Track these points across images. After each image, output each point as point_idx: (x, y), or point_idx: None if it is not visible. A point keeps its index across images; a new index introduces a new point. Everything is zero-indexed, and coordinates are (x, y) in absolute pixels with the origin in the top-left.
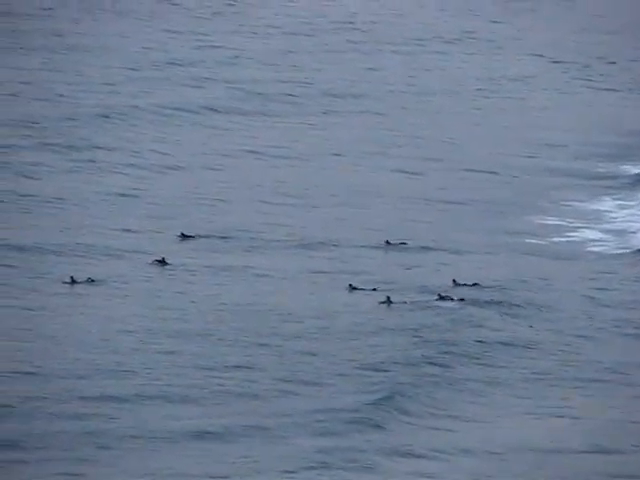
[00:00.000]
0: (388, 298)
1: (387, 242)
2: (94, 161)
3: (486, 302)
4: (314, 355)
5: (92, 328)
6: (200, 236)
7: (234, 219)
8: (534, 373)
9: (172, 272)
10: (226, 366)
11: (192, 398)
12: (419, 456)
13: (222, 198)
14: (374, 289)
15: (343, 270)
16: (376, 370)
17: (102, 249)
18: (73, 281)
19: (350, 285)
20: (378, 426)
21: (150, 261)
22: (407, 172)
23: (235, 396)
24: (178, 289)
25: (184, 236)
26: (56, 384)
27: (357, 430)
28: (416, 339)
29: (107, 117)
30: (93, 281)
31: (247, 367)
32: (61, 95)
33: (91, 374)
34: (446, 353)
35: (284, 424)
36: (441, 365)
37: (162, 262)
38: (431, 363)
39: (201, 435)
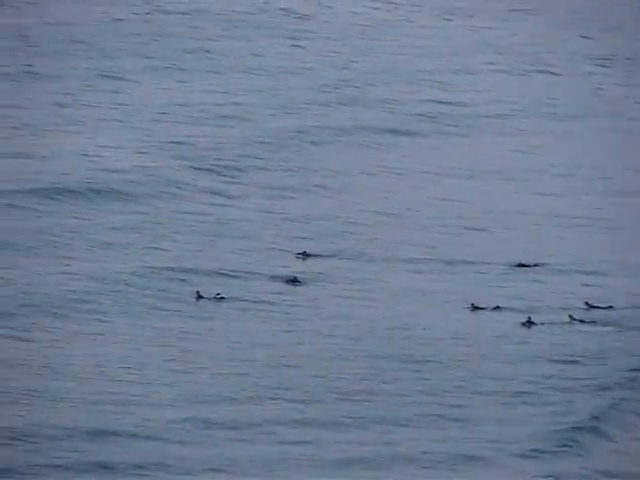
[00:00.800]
0: (529, 319)
1: (521, 264)
2: (246, 184)
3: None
4: (480, 378)
5: (223, 345)
6: (324, 255)
7: (364, 237)
8: None
9: (302, 290)
10: (381, 391)
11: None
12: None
13: (354, 217)
14: (497, 307)
15: (476, 290)
16: (565, 392)
17: (226, 267)
18: (199, 297)
19: (472, 305)
20: (581, 450)
21: (281, 279)
22: (543, 194)
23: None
24: (309, 307)
25: (306, 255)
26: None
27: (561, 454)
28: (583, 362)
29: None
30: (222, 298)
31: (403, 393)
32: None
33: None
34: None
35: (490, 448)
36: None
37: (293, 281)
38: (622, 387)
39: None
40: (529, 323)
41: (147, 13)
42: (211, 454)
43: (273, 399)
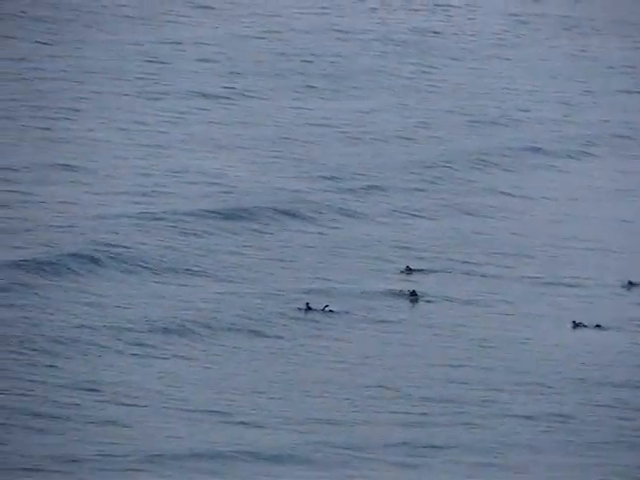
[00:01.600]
0: None
1: (630, 282)
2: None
3: None
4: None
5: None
6: (429, 270)
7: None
8: None
9: (420, 305)
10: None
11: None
12: None
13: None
14: (598, 325)
15: (586, 309)
16: None
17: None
18: (308, 308)
19: (574, 322)
20: None
21: (397, 292)
22: None
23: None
24: (424, 322)
25: (409, 270)
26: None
27: None
28: None
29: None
30: (331, 311)
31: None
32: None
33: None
34: None
35: None
36: None
37: (412, 294)
38: None
39: None
40: None
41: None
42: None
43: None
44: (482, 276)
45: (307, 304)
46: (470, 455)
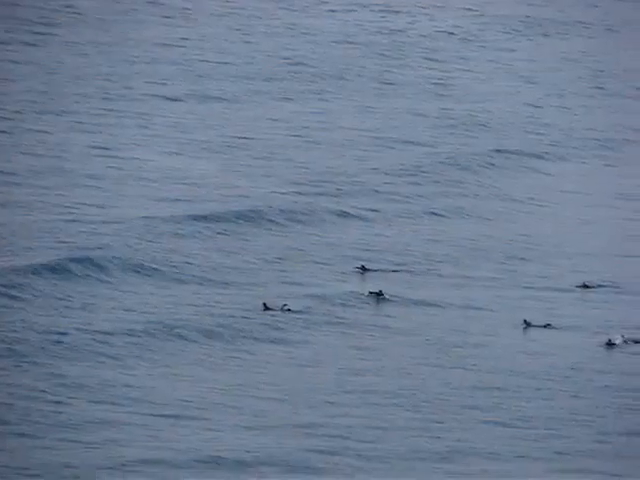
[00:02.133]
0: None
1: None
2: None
3: None
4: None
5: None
6: (383, 270)
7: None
8: None
9: (380, 305)
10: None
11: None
12: None
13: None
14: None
15: (540, 309)
16: None
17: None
18: (266, 308)
19: (525, 321)
20: None
21: (366, 293)
22: None
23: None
24: (383, 323)
25: (364, 269)
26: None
27: None
28: None
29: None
30: (290, 310)
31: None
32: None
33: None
34: None
35: None
36: None
37: (378, 294)
38: None
39: None
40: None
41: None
42: None
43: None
44: (439, 276)
45: (264, 304)
46: (425, 461)
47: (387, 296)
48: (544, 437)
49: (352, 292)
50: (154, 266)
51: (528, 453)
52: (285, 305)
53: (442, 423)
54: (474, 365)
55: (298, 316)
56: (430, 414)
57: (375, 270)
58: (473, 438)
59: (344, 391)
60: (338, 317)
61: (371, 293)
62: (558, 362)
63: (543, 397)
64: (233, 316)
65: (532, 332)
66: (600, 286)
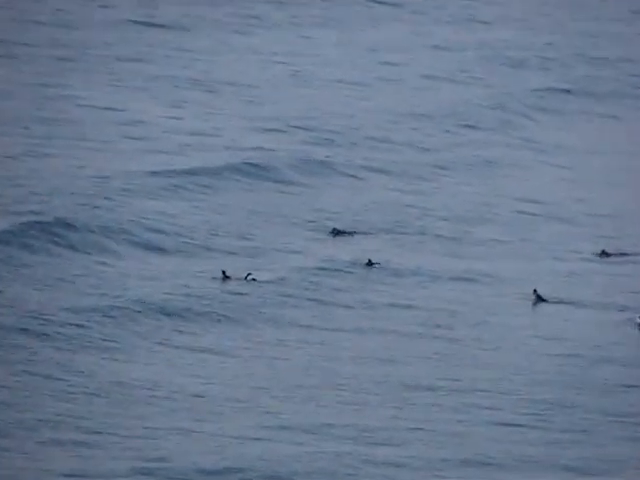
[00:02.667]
0: None
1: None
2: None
3: None
4: None
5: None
6: (356, 232)
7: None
8: None
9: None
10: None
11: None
12: None
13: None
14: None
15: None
16: None
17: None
18: (226, 277)
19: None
20: None
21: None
22: None
23: None
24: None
25: (337, 232)
26: None
27: None
28: None
29: None
30: (254, 280)
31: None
32: None
33: None
34: None
35: None
36: None
37: (367, 264)
38: None
39: None
40: None
41: None
42: None
43: None
44: (437, 238)
45: (224, 272)
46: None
47: (377, 266)
48: (563, 444)
49: (332, 259)
50: (100, 225)
51: (542, 460)
52: (249, 274)
53: (441, 427)
54: (474, 355)
55: (265, 288)
56: (421, 416)
57: (363, 233)
58: (472, 443)
59: (313, 386)
60: (315, 290)
61: (368, 263)
62: (578, 347)
63: (558, 392)
64: (187, 286)
65: (544, 307)
66: (623, 254)
